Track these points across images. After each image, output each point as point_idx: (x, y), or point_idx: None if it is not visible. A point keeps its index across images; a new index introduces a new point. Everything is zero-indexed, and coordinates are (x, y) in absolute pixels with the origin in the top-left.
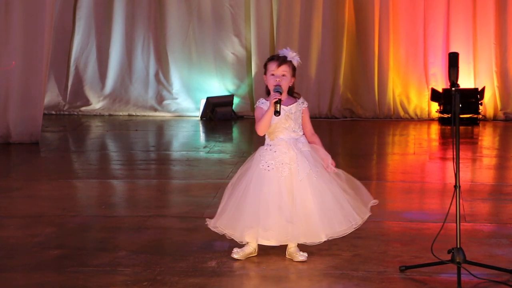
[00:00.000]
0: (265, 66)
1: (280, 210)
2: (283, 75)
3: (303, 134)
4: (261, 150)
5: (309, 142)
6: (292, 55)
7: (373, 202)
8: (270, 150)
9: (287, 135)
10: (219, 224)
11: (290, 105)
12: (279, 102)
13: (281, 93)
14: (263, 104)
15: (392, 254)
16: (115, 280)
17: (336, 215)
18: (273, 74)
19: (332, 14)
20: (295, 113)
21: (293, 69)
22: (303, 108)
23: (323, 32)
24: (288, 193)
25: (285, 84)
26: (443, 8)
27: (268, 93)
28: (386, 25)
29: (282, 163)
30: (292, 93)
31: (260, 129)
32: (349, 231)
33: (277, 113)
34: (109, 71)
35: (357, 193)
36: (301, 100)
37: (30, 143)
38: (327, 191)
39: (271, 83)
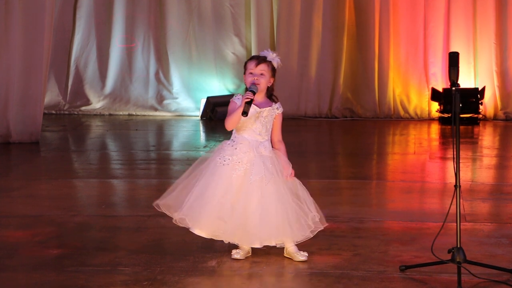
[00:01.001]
0: (245, 65)
1: (218, 205)
2: (261, 74)
3: (269, 139)
4: (224, 144)
5: (273, 148)
6: (272, 56)
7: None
8: (232, 146)
9: (251, 136)
10: (162, 203)
11: (263, 108)
12: (250, 102)
13: (254, 93)
14: (238, 100)
15: (392, 254)
16: (115, 280)
17: (279, 225)
18: (251, 73)
19: (332, 14)
20: (265, 117)
21: (273, 69)
22: (277, 114)
23: (323, 32)
24: (235, 192)
25: (263, 83)
26: (443, 8)
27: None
28: (386, 25)
29: (239, 162)
30: (271, 95)
31: (228, 124)
32: (284, 245)
33: (244, 114)
34: (109, 70)
35: (307, 209)
36: (276, 105)
37: (30, 143)
38: (275, 200)
39: (249, 81)
